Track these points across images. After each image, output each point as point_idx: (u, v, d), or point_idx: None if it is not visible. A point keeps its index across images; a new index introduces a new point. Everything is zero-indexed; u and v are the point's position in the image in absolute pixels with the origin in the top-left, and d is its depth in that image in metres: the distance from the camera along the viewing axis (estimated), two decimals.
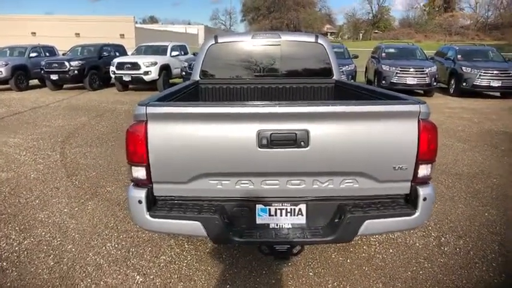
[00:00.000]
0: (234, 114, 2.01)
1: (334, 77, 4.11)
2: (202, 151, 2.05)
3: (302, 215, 2.24)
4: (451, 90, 12.47)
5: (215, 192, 2.16)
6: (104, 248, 3.15)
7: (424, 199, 2.14)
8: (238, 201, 2.20)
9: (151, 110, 2.00)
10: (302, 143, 2.01)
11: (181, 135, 2.04)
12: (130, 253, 3.07)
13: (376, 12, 55.40)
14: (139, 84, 12.64)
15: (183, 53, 14.12)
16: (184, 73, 12.17)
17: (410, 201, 2.20)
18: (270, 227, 2.25)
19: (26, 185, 4.57)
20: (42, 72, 12.70)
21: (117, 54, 14.22)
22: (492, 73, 11.49)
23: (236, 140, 2.03)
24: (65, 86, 13.64)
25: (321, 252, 3.05)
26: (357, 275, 2.79)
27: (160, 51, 13.34)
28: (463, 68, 11.93)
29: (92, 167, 5.21)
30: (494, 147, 6.38)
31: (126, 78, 12.15)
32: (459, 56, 12.79)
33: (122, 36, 28.17)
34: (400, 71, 11.66)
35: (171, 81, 13.37)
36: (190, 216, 2.10)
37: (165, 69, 12.61)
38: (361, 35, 61.89)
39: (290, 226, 2.25)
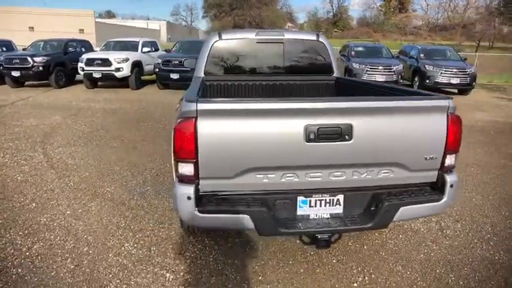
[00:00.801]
0: (283, 109, 2.08)
1: (334, 74, 4.28)
2: (250, 146, 2.11)
3: (340, 205, 2.36)
4: (415, 87, 13.19)
5: (260, 186, 2.22)
6: (122, 248, 3.10)
7: (451, 186, 2.34)
8: (281, 194, 2.28)
9: (201, 106, 2.02)
10: (346, 136, 2.13)
11: (230, 131, 2.08)
12: (152, 252, 3.05)
13: (336, 11, 57.01)
14: (110, 81, 12.20)
15: (153, 49, 13.79)
16: (157, 70, 11.91)
17: (437, 188, 2.40)
18: (310, 217, 2.35)
19: (15, 188, 4.34)
20: (1, 68, 11.88)
21: (83, 50, 13.60)
22: (452, 71, 12.31)
23: (284, 134, 2.11)
24: (26, 83, 12.86)
25: (338, 241, 3.20)
26: (376, 260, 2.97)
27: (131, 47, 12.94)
28: (426, 66, 12.68)
29: (83, 168, 5.02)
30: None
31: (96, 75, 11.68)
32: (422, 55, 13.57)
33: (81, 31, 26.87)
34: (370, 68, 12.17)
35: (142, 78, 13.04)
36: (239, 210, 2.15)
37: (137, 65, 12.26)
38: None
39: (328, 216, 2.37)
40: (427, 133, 2.25)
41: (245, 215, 2.15)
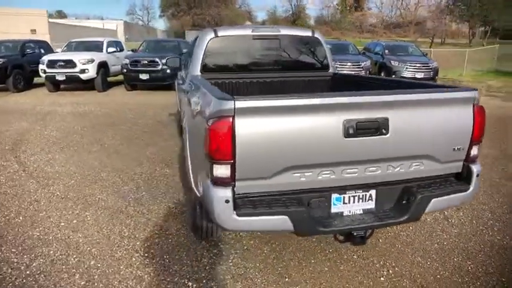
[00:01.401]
0: (322, 105, 2.02)
1: (330, 70, 4.28)
2: (289, 144, 2.03)
3: (372, 200, 2.34)
4: None
5: (297, 185, 2.15)
6: (133, 259, 2.90)
7: (477, 175, 2.39)
8: (316, 192, 2.21)
9: (240, 104, 1.91)
10: (383, 130, 2.11)
11: (268, 129, 1.99)
12: (167, 260, 2.88)
13: (295, 10, 57.79)
14: (74, 83, 11.55)
15: (118, 49, 13.22)
16: (125, 70, 11.44)
17: (463, 178, 2.44)
18: (344, 214, 2.31)
19: None
20: None
21: (42, 51, 12.76)
22: (416, 66, 12.87)
23: (322, 130, 2.05)
24: None
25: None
26: (394, 253, 2.99)
27: (95, 47, 12.32)
28: (392, 61, 13.16)
29: (66, 175, 4.68)
30: None
31: (60, 78, 11.00)
32: (386, 51, 14.07)
33: (34, 31, 25.15)
34: (340, 65, 12.40)
35: (109, 79, 12.47)
36: (278, 211, 2.07)
37: (102, 66, 11.69)
38: None
39: (361, 212, 2.34)
40: (455, 124, 2.28)
41: (284, 216, 2.07)
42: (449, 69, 20.18)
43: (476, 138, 2.34)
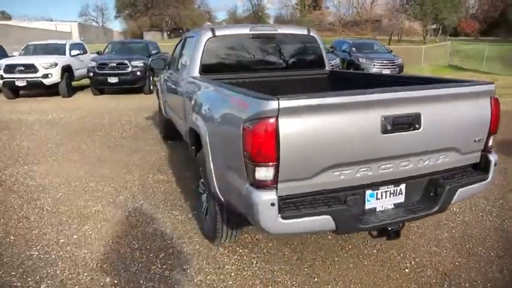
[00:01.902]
0: (362, 102, 2.02)
1: (326, 68, 4.32)
2: (330, 143, 2.00)
3: (401, 194, 2.38)
4: None
5: (336, 183, 2.13)
6: (151, 271, 2.75)
7: (495, 164, 2.50)
8: (351, 190, 2.21)
9: (284, 103, 1.86)
10: (416, 125, 2.14)
11: (311, 128, 1.95)
12: (188, 271, 2.76)
13: (255, 9, 58.05)
14: (37, 89, 10.85)
15: (82, 52, 12.59)
16: (92, 74, 10.92)
17: (480, 168, 2.54)
18: (377, 210, 2.32)
19: None
20: None
21: None
22: (383, 63, 13.36)
23: (362, 127, 2.05)
24: None
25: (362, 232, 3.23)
26: (410, 244, 3.06)
27: (56, 50, 11.63)
28: (360, 59, 13.57)
29: (51, 188, 4.37)
30: None
31: (20, 83, 10.28)
32: (353, 49, 14.49)
33: None
34: None
35: (74, 83, 11.85)
36: (321, 211, 2.04)
37: (66, 70, 11.06)
38: None
39: (392, 206, 2.37)
40: (476, 116, 2.37)
41: (327, 216, 2.05)
42: (409, 65, 21.15)
43: (493, 129, 2.44)
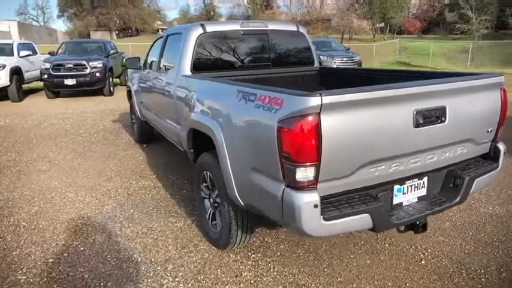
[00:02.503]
0: (400, 95, 1.98)
1: (315, 64, 4.29)
2: (368, 139, 1.94)
3: (424, 187, 2.38)
4: None
5: (371, 180, 2.07)
6: (163, 286, 2.55)
7: (504, 153, 2.59)
8: (381, 186, 2.17)
9: (328, 99, 1.76)
10: (443, 117, 2.15)
11: (350, 124, 1.88)
12: (204, 281, 2.59)
13: (207, 8, 57.31)
14: None
15: (31, 52, 11.63)
16: (46, 76, 10.12)
17: (489, 157, 2.62)
18: (403, 204, 2.31)
19: None
20: None
21: None
22: (343, 60, 13.72)
23: (397, 121, 2.01)
24: None
25: None
26: (418, 236, 3.09)
27: (1, 51, 10.63)
28: (321, 56, 13.77)
29: (22, 201, 3.93)
30: None
31: None
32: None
33: None
34: None
35: (25, 86, 10.92)
36: (361, 210, 1.97)
37: (16, 73, 10.14)
38: None
39: (416, 200, 2.37)
40: (490, 107, 2.43)
41: (366, 214, 1.99)
42: (363, 62, 22.00)
43: (502, 119, 2.53)
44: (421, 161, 2.22)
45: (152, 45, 5.01)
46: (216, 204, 2.90)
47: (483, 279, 2.53)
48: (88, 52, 11.47)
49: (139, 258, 2.87)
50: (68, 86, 10.14)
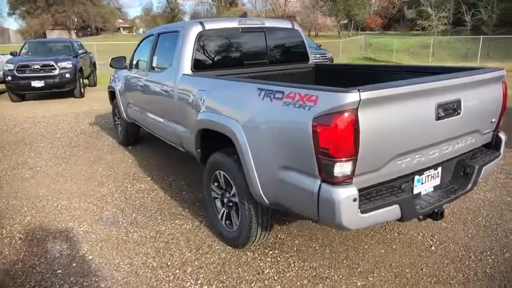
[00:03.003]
0: (428, 89, 2.07)
1: (310, 61, 4.35)
2: (398, 132, 2.02)
3: (438, 177, 2.50)
4: None
5: (397, 172, 2.14)
6: None
7: (505, 142, 2.76)
8: (406, 176, 2.26)
9: (365, 95, 1.81)
10: (459, 110, 2.27)
11: (384, 118, 1.94)
12: (227, 282, 2.57)
13: (171, 6, 56.20)
14: None
15: None
16: (10, 78, 9.55)
17: (491, 146, 2.79)
18: (421, 194, 2.41)
19: None
20: None
21: None
22: (316, 56, 13.85)
23: (423, 115, 2.10)
24: None
25: None
26: (423, 224, 3.23)
27: None
28: None
29: (12, 212, 3.71)
30: None
31: None
32: None
33: None
34: None
35: None
36: (391, 201, 2.04)
37: None
38: None
39: (432, 189, 2.48)
40: (494, 99, 2.59)
41: (396, 205, 2.06)
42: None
43: (503, 110, 2.70)
44: (439, 152, 2.32)
45: (139, 44, 4.87)
46: (230, 204, 2.89)
47: (490, 260, 2.70)
48: (54, 52, 10.94)
49: (155, 263, 2.81)
50: (35, 89, 9.64)
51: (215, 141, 3.00)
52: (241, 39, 3.80)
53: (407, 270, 2.62)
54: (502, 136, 2.76)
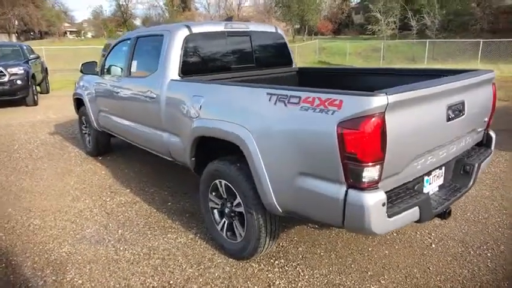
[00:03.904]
0: (445, 91, 2.11)
1: (294, 65, 4.33)
2: (418, 134, 2.03)
3: (442, 176, 2.55)
4: None
5: (414, 174, 2.15)
6: None
7: (495, 139, 2.90)
8: (419, 178, 2.28)
9: (393, 98, 1.78)
10: (463, 111, 2.33)
11: (408, 121, 1.95)
12: None
13: (123, 9, 54.23)
14: None
15: None
16: None
17: (483, 144, 2.91)
18: (430, 193, 2.45)
19: None
20: None
21: None
22: None
23: (438, 116, 2.14)
24: None
25: None
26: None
27: None
28: None
29: None
30: None
31: None
32: None
33: None
34: None
35: None
36: (413, 203, 2.04)
37: None
38: (105, 33, 58.98)
39: (438, 189, 2.53)
40: (486, 99, 2.70)
41: (416, 207, 2.06)
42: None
43: (493, 110, 2.83)
44: (447, 152, 2.37)
45: (112, 48, 4.58)
46: (232, 214, 2.76)
47: (489, 254, 2.80)
48: (2, 57, 10.05)
49: (155, 283, 2.61)
50: None
51: (212, 149, 2.87)
52: (228, 43, 3.69)
53: (415, 270, 2.65)
54: (492, 134, 2.90)
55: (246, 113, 2.42)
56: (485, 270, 2.61)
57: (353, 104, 1.83)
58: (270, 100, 2.24)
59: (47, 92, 12.14)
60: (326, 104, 1.94)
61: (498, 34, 23.58)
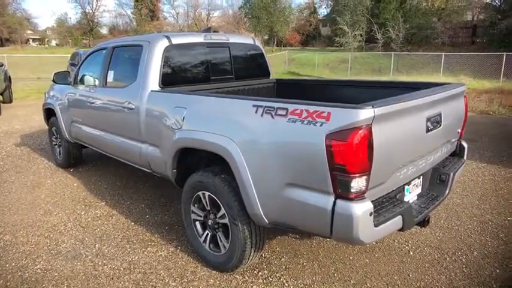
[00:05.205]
0: (426, 103, 2.23)
1: (271, 77, 4.39)
2: (401, 145, 2.12)
3: (420, 185, 2.66)
4: None
5: (396, 183, 2.23)
6: None
7: (467, 149, 3.06)
8: (400, 187, 2.37)
9: (380, 110, 1.86)
10: (440, 122, 2.46)
11: (393, 132, 2.03)
12: None
13: (90, 17, 52.86)
14: None
15: None
16: None
17: (456, 154, 3.06)
18: (410, 202, 2.54)
19: None
20: None
21: None
22: None
23: (418, 127, 2.24)
24: None
25: None
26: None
27: None
28: None
29: None
30: None
31: None
32: None
33: None
34: None
35: None
36: (396, 212, 2.10)
37: None
38: (70, 41, 57.15)
39: (416, 197, 2.63)
40: (459, 111, 2.85)
41: (399, 216, 2.13)
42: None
43: (465, 121, 2.99)
44: (425, 162, 2.48)
45: (85, 58, 4.46)
46: (216, 226, 2.74)
47: (463, 260, 2.93)
48: None
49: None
50: None
51: (196, 161, 2.85)
52: (207, 55, 3.69)
53: (395, 278, 2.72)
54: (465, 144, 3.06)
55: (231, 124, 2.42)
56: (461, 276, 2.72)
57: (341, 116, 1.89)
58: (256, 112, 2.26)
59: (10, 101, 11.57)
60: (314, 116, 1.98)
61: (458, 48, 25.01)
